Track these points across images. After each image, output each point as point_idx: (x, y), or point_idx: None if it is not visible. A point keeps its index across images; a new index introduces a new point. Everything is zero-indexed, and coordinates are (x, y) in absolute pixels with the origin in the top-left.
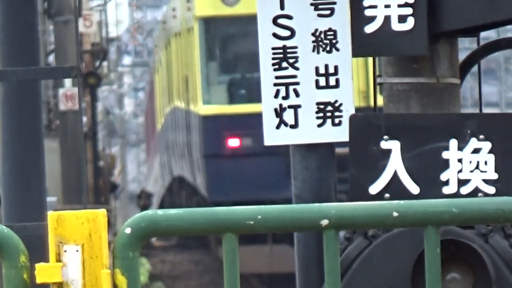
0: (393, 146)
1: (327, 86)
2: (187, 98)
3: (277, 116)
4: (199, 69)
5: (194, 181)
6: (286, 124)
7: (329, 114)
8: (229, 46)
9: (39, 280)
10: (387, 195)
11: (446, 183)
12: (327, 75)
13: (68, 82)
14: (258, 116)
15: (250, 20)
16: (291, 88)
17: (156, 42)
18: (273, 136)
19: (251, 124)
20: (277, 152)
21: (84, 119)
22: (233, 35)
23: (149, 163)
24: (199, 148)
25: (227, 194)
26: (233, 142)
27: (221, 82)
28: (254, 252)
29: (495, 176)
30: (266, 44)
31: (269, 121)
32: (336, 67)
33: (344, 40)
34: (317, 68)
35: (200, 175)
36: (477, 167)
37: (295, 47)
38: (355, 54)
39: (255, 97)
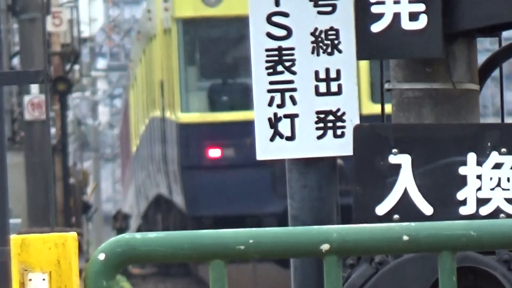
0: (403, 160)
1: (328, 92)
2: (164, 106)
3: (271, 127)
4: (177, 74)
5: (170, 197)
6: (281, 136)
7: (330, 124)
8: (210, 49)
9: None
10: (396, 216)
11: (463, 202)
12: (328, 80)
13: (34, 88)
14: (240, 125)
15: (233, 22)
16: (287, 95)
17: (132, 57)
18: (266, 150)
19: (233, 133)
20: (262, 164)
21: (53, 130)
22: (214, 38)
23: (126, 179)
24: (176, 159)
25: (207, 209)
26: (214, 153)
27: (201, 88)
28: (235, 272)
29: None
30: (259, 45)
31: (262, 132)
32: (338, 71)
33: (348, 40)
34: (316, 73)
35: (178, 189)
36: (498, 185)
37: (292, 49)
38: (360, 56)
39: (238, 104)
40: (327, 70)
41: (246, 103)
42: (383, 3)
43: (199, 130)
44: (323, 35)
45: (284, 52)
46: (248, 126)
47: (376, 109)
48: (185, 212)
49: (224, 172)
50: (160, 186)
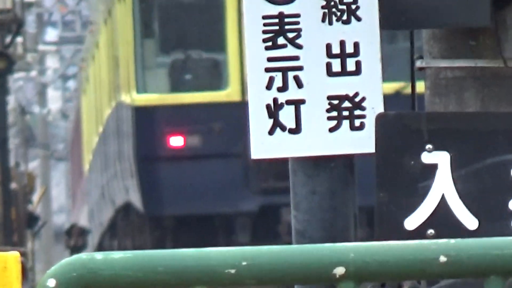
0: (440, 159)
1: (343, 72)
2: (118, 88)
3: (270, 116)
4: (132, 49)
5: (126, 195)
6: (283, 128)
7: (346, 113)
8: (171, 18)
9: None
10: (431, 231)
11: None
12: (343, 56)
13: None
14: (207, 108)
15: None
16: (290, 75)
17: (83, 55)
18: (263, 146)
19: (199, 118)
20: (232, 154)
21: None
22: (176, 5)
23: (78, 185)
24: (132, 149)
25: (168, 207)
26: (176, 141)
27: (160, 65)
28: None
29: None
30: (253, 11)
31: (258, 123)
32: (356, 45)
33: (369, 5)
34: (328, 46)
35: (134, 184)
36: None
37: (297, 15)
38: (384, 25)
39: (204, 84)
40: (342, 43)
41: (214, 82)
42: None
43: (158, 114)
44: None
45: (286, 20)
46: (216, 110)
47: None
48: (142, 212)
49: (188, 164)
50: (126, 189)
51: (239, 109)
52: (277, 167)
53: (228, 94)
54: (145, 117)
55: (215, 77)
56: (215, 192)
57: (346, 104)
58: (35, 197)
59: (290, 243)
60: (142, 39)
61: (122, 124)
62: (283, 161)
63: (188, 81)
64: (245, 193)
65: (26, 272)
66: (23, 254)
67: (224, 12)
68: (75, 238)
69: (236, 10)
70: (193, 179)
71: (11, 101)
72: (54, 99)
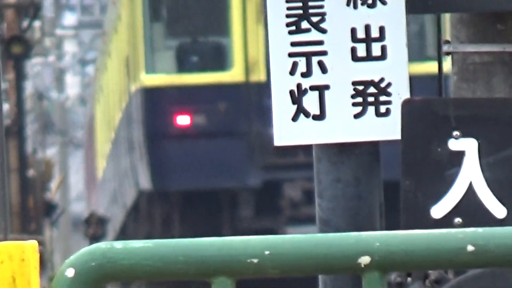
0: (468, 146)
1: (369, 57)
2: (129, 74)
3: (293, 102)
4: (141, 32)
5: (135, 172)
6: (307, 114)
7: (371, 99)
8: (178, 4)
9: None
10: (458, 219)
11: None
12: (368, 40)
13: None
14: (213, 88)
15: None
16: (314, 60)
17: (97, 64)
18: (287, 132)
19: (204, 98)
20: (236, 132)
21: (6, 106)
22: None
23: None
24: (141, 128)
25: (176, 183)
26: (183, 120)
27: (168, 47)
28: None
29: None
30: None
31: (281, 109)
32: (381, 29)
33: None
34: (353, 31)
35: (142, 162)
36: None
37: None
38: (411, 9)
39: (210, 65)
40: (367, 28)
41: (219, 63)
42: None
43: (165, 94)
44: None
45: (310, 3)
46: (221, 90)
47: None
48: (151, 188)
49: (194, 141)
50: (136, 167)
51: (243, 89)
52: None
53: (232, 74)
54: (153, 97)
55: (219, 58)
56: (220, 168)
57: (372, 89)
58: (53, 185)
59: (291, 217)
60: (151, 22)
61: (132, 104)
62: None
63: (194, 63)
64: (249, 169)
65: (44, 261)
66: (41, 243)
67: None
68: (94, 227)
69: None
70: (199, 156)
71: (29, 87)
72: (73, 85)
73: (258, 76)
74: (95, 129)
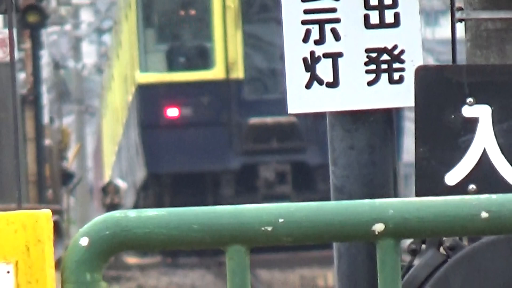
0: (481, 113)
1: (382, 24)
2: (129, 79)
3: (307, 70)
4: (136, 37)
5: (136, 158)
6: (320, 82)
7: (384, 66)
8: (167, 11)
9: None
10: (472, 186)
11: None
12: (381, 7)
13: None
14: (197, 85)
15: None
16: (327, 27)
17: (103, 82)
18: (300, 101)
19: (190, 93)
20: (218, 122)
21: (22, 75)
22: (172, 2)
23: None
24: (136, 119)
25: (166, 166)
26: (172, 112)
27: (159, 50)
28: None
29: None
30: None
31: (294, 77)
32: None
33: None
34: None
35: (138, 147)
36: None
37: None
38: None
39: (195, 65)
40: None
41: (203, 63)
42: None
43: (157, 90)
44: None
45: None
46: (205, 86)
47: None
48: (145, 169)
49: (182, 130)
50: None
51: (223, 85)
52: (256, 132)
53: (215, 73)
54: (146, 92)
55: (203, 59)
56: (204, 154)
57: (385, 57)
58: (70, 154)
59: (266, 195)
60: (144, 28)
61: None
62: (266, 126)
63: (182, 63)
64: (229, 154)
65: (61, 230)
66: (58, 212)
67: (211, 6)
68: (111, 195)
69: (221, 5)
70: (186, 143)
71: (45, 56)
72: (89, 54)
73: (237, 74)
74: (107, 110)
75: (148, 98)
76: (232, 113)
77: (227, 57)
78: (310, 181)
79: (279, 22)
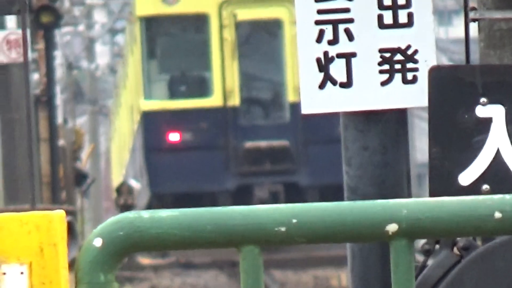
0: (495, 113)
1: (396, 24)
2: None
3: (320, 70)
4: (140, 67)
5: (141, 179)
6: (334, 82)
7: (398, 66)
8: (169, 44)
9: None
10: (485, 186)
11: None
12: (395, 7)
13: (10, 21)
14: (197, 112)
15: (190, 19)
16: (341, 27)
17: (117, 80)
18: (314, 100)
19: (191, 119)
20: (216, 146)
21: (35, 76)
22: (173, 33)
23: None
24: (141, 142)
25: (168, 187)
26: (174, 137)
27: (162, 79)
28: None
29: None
30: None
31: (308, 77)
32: None
33: None
34: None
35: (143, 169)
36: None
37: None
38: None
39: (195, 93)
40: None
41: (202, 92)
42: None
43: (160, 116)
44: None
45: None
46: (204, 113)
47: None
48: (149, 190)
49: (183, 154)
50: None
51: (221, 112)
52: (251, 155)
53: (213, 100)
54: (150, 118)
55: (203, 88)
56: (203, 175)
57: (398, 57)
58: (84, 155)
59: None
60: (148, 59)
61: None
62: (260, 150)
63: (183, 91)
64: (226, 175)
65: (74, 231)
66: (71, 213)
67: (209, 40)
68: (124, 196)
69: (218, 38)
70: (187, 165)
71: (59, 56)
72: (102, 54)
73: (233, 101)
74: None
75: (152, 124)
76: (229, 137)
77: (225, 86)
78: (301, 200)
79: (271, 55)
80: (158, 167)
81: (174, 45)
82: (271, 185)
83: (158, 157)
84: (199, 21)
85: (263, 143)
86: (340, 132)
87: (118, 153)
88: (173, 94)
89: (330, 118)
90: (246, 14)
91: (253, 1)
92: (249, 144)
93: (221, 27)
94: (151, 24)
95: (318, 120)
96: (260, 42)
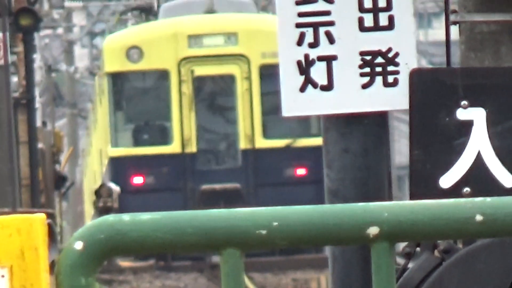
0: (476, 116)
1: (376, 27)
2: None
3: (301, 73)
4: (108, 117)
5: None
6: (315, 85)
7: (379, 69)
8: (134, 97)
9: None
10: (466, 189)
11: None
12: (375, 10)
13: None
14: (159, 157)
15: (152, 74)
16: (321, 30)
17: (88, 122)
18: (295, 103)
19: (153, 164)
20: (175, 188)
21: (15, 79)
22: (137, 88)
23: None
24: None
25: None
26: (137, 180)
27: (127, 129)
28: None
29: None
30: None
31: (288, 80)
32: None
33: None
34: (360, 0)
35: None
36: None
37: None
38: None
39: (157, 141)
40: None
41: (163, 140)
42: None
43: (125, 162)
44: None
45: None
46: (164, 158)
47: (270, 144)
48: None
49: (146, 195)
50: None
51: (180, 158)
52: (207, 196)
53: (172, 147)
54: (116, 163)
55: (163, 136)
56: None
57: (379, 59)
58: (63, 157)
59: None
60: (114, 110)
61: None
62: (215, 192)
63: (146, 139)
64: None
65: (54, 234)
66: (50, 216)
67: (170, 94)
68: (104, 199)
69: (177, 92)
70: (149, 206)
71: (38, 59)
72: (81, 57)
73: (191, 148)
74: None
75: (118, 168)
76: (187, 181)
77: (183, 135)
78: None
79: (225, 107)
80: (123, 207)
81: (138, 98)
82: None
83: (123, 197)
84: (160, 77)
85: (217, 186)
86: (288, 172)
87: (89, 189)
88: (137, 141)
89: (279, 162)
90: (203, 70)
91: (209, 59)
92: (205, 186)
93: (180, 82)
94: (117, 79)
95: (268, 164)
96: (215, 95)
